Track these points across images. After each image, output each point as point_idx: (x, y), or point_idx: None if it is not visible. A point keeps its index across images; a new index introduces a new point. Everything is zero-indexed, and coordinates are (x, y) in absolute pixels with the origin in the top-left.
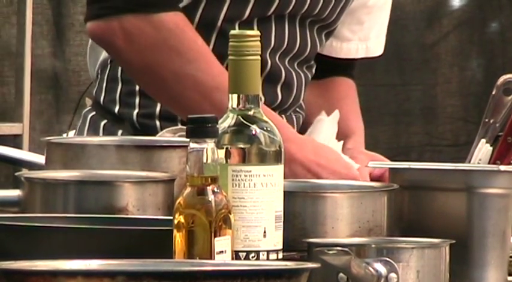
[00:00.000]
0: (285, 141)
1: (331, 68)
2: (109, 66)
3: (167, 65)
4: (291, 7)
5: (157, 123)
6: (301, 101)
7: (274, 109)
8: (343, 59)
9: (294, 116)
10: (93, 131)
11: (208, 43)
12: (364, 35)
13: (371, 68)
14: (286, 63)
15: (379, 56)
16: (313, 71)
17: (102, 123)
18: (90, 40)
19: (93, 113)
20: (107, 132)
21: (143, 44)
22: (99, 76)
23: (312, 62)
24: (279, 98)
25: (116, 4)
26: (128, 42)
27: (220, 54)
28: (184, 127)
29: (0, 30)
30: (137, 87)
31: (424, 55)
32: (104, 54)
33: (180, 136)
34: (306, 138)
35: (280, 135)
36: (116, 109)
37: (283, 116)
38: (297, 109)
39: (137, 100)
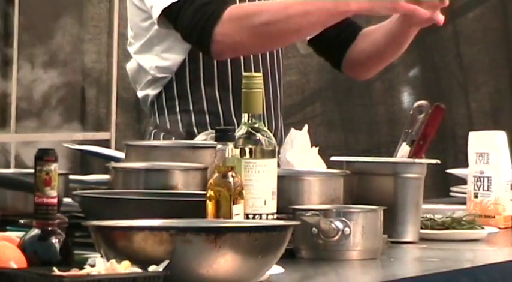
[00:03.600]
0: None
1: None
2: (156, 102)
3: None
4: None
5: (195, 129)
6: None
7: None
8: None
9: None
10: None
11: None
12: None
13: (351, 93)
14: None
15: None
16: None
17: (162, 135)
18: (130, 68)
19: (155, 130)
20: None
21: (239, 25)
22: (151, 111)
23: None
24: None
25: (202, 33)
26: (231, 29)
27: None
28: (213, 131)
29: (96, 57)
30: (178, 109)
31: (385, 86)
32: (151, 96)
33: (211, 137)
34: None
35: None
36: (168, 126)
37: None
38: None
39: (179, 117)
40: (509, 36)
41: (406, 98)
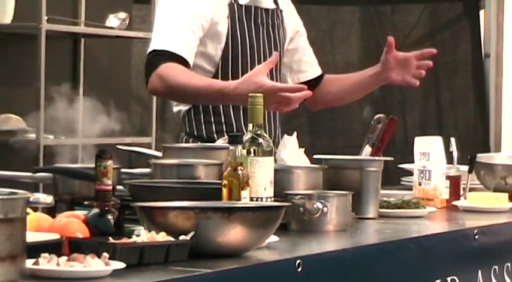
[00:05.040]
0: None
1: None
2: (186, 116)
3: (176, 87)
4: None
5: (215, 136)
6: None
7: None
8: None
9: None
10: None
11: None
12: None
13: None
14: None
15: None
16: None
17: (190, 140)
18: None
19: (186, 136)
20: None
21: (159, 83)
22: (183, 122)
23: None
24: None
25: (147, 77)
26: (155, 84)
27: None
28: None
29: (140, 83)
30: (202, 121)
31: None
32: (183, 111)
33: (226, 142)
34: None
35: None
36: (195, 133)
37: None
38: None
39: (203, 127)
40: (436, 67)
41: (359, 113)
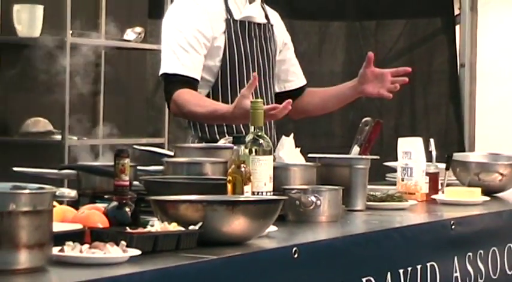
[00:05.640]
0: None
1: (296, 92)
2: (192, 123)
3: (189, 114)
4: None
5: (217, 136)
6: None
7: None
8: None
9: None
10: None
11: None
12: (296, 76)
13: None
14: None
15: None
16: None
17: (196, 141)
18: None
19: (191, 138)
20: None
21: (177, 109)
22: (189, 125)
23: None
24: None
25: (168, 101)
26: (175, 110)
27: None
28: (230, 137)
29: (154, 90)
30: (206, 125)
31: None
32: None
33: (228, 142)
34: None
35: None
36: (200, 135)
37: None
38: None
39: (207, 129)
40: (414, 77)
41: (339, 117)
